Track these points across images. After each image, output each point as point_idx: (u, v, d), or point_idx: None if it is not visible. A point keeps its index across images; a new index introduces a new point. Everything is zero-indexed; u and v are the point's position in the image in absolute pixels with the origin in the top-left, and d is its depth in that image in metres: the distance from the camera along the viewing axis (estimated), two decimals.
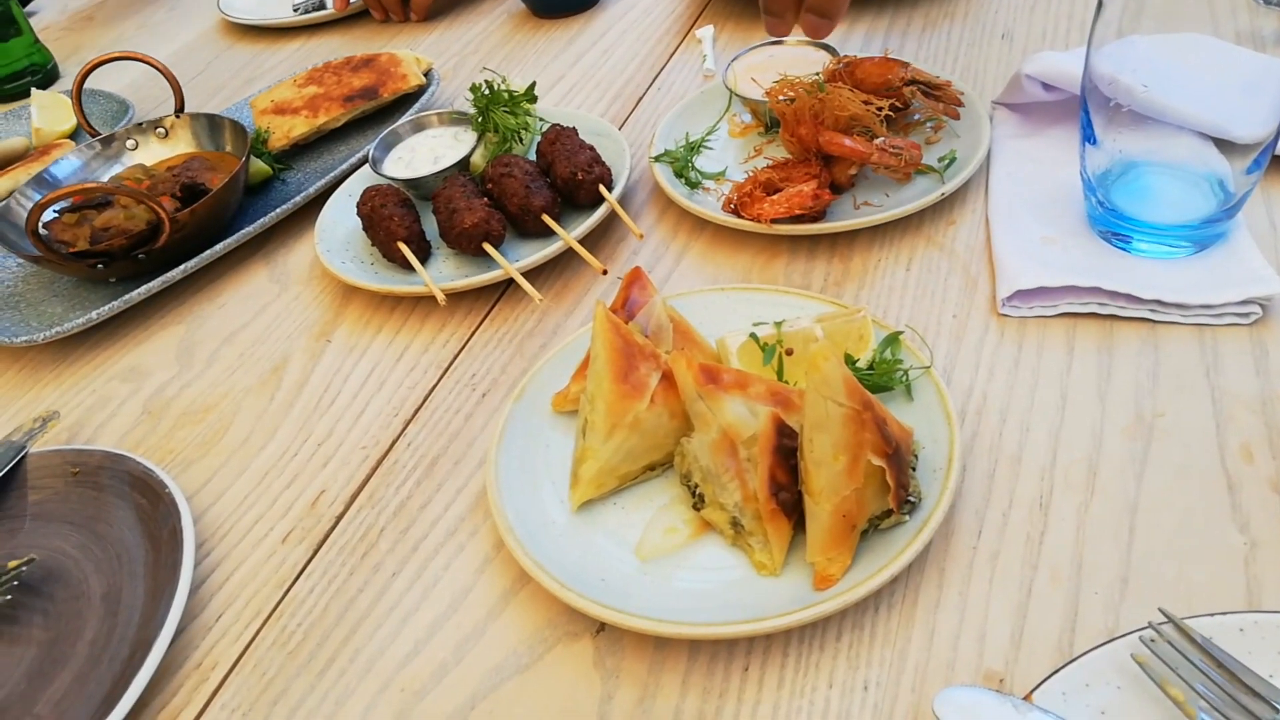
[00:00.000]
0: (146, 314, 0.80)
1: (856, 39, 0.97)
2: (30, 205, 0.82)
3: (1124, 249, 0.66)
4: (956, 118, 0.77)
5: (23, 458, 0.64)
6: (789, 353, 0.57)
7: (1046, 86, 0.76)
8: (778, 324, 0.58)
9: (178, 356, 0.75)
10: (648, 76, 0.98)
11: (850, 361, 0.57)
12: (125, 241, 0.77)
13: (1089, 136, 0.65)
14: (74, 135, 1.05)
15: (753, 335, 0.58)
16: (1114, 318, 0.62)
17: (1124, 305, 0.62)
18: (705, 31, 1.01)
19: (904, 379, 0.56)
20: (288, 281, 0.80)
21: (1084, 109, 0.65)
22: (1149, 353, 0.59)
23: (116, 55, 0.92)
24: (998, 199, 0.72)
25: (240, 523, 0.60)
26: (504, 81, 0.84)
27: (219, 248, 0.80)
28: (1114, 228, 0.66)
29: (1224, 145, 0.62)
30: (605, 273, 0.69)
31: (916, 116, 0.79)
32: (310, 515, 0.60)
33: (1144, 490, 0.52)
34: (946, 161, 0.74)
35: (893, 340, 0.58)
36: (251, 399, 0.69)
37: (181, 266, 0.78)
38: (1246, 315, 0.60)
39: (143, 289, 0.77)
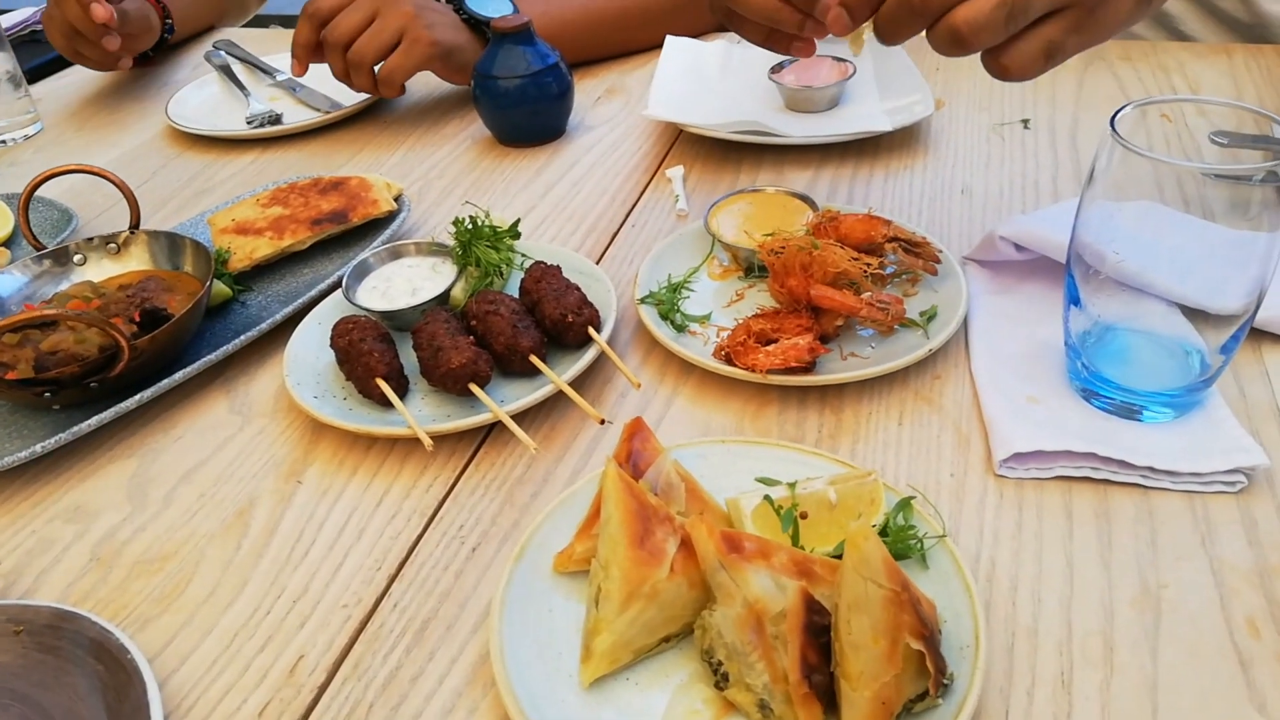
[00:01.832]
0: (93, 445, 0.74)
1: (823, 186, 1.00)
2: None
3: (1106, 411, 0.68)
4: (935, 274, 0.79)
5: None
6: (803, 516, 0.56)
7: (1018, 247, 0.80)
8: (791, 485, 0.58)
9: (129, 495, 0.69)
10: (620, 212, 0.99)
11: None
12: (77, 369, 0.72)
13: (1074, 299, 0.67)
14: (9, 241, 1.00)
15: (767, 498, 0.57)
16: (1107, 482, 0.63)
17: (1116, 470, 0.63)
18: (675, 172, 1.03)
19: (919, 547, 0.55)
20: (250, 414, 0.76)
21: (1069, 274, 0.67)
22: (1145, 520, 0.61)
23: (72, 168, 0.88)
24: (979, 357, 0.74)
25: (209, 692, 0.55)
26: (487, 216, 0.84)
27: (177, 376, 0.75)
28: (1096, 389, 0.68)
29: (1201, 317, 0.65)
30: (604, 422, 0.68)
31: (891, 269, 0.81)
32: (289, 685, 0.55)
33: (1160, 668, 0.52)
34: (928, 316, 0.76)
35: (905, 505, 0.57)
36: (215, 546, 0.64)
37: (136, 396, 0.73)
38: (1233, 484, 0.62)
39: (93, 420, 0.71)
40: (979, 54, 0.64)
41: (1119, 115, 0.62)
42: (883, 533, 0.56)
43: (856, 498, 0.58)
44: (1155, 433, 0.66)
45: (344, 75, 1.14)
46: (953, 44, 0.61)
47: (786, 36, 0.73)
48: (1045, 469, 0.64)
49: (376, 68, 1.12)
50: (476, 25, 1.17)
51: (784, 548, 0.52)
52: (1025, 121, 1.09)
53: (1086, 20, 0.61)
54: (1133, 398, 0.67)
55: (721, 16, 0.74)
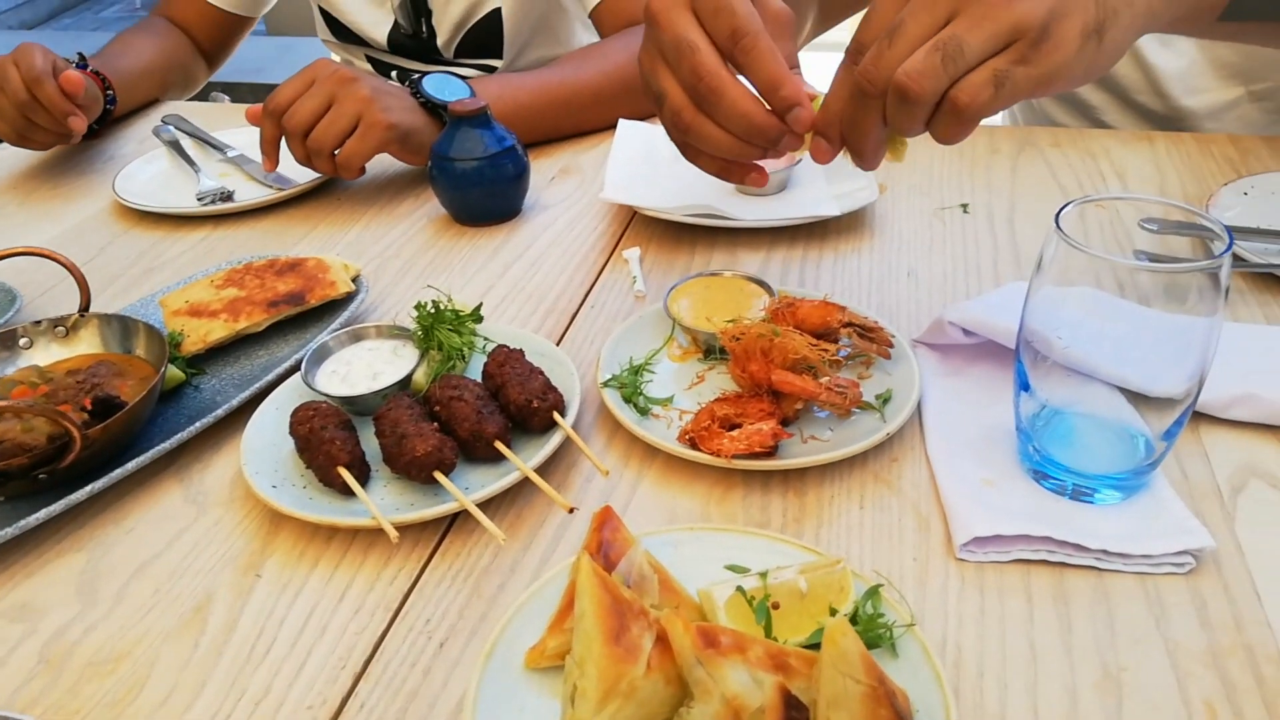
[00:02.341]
0: (40, 538, 0.71)
1: (775, 267, 1.02)
2: None
3: (1057, 494, 0.70)
4: (888, 358, 0.81)
5: None
6: (775, 606, 0.57)
7: (966, 331, 0.83)
8: (763, 575, 0.58)
9: (79, 591, 0.67)
10: (579, 293, 1.00)
11: (834, 616, 0.57)
12: (25, 460, 0.70)
13: (1024, 384, 0.70)
14: None
15: (740, 590, 0.57)
16: (1063, 565, 0.65)
17: (1071, 553, 0.65)
18: (632, 253, 1.05)
19: (889, 636, 0.56)
20: (206, 503, 0.74)
21: (1018, 360, 0.70)
22: (1101, 601, 0.62)
23: (18, 250, 0.86)
24: (934, 440, 0.76)
25: None
26: (449, 300, 0.84)
27: (130, 466, 0.73)
28: (1047, 471, 0.71)
29: (1145, 401, 0.67)
30: (572, 511, 0.68)
31: (844, 354, 0.83)
32: None
33: None
34: (883, 399, 0.78)
35: (873, 594, 0.58)
36: (171, 646, 0.62)
37: (87, 487, 0.71)
38: (1182, 565, 0.64)
39: (41, 514, 0.69)
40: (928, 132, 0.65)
41: (1062, 212, 0.65)
42: (852, 620, 0.57)
43: (826, 586, 0.58)
44: (1106, 515, 0.68)
45: (306, 161, 1.14)
46: (901, 103, 0.61)
47: (741, 167, 0.74)
48: (1004, 552, 0.66)
49: (336, 152, 1.13)
50: (433, 109, 1.18)
51: (759, 641, 0.53)
52: (964, 206, 1.14)
53: (1031, 53, 0.61)
54: (1082, 480, 0.69)
55: (677, 146, 0.74)
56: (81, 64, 1.33)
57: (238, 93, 4.41)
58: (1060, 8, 0.61)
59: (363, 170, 1.15)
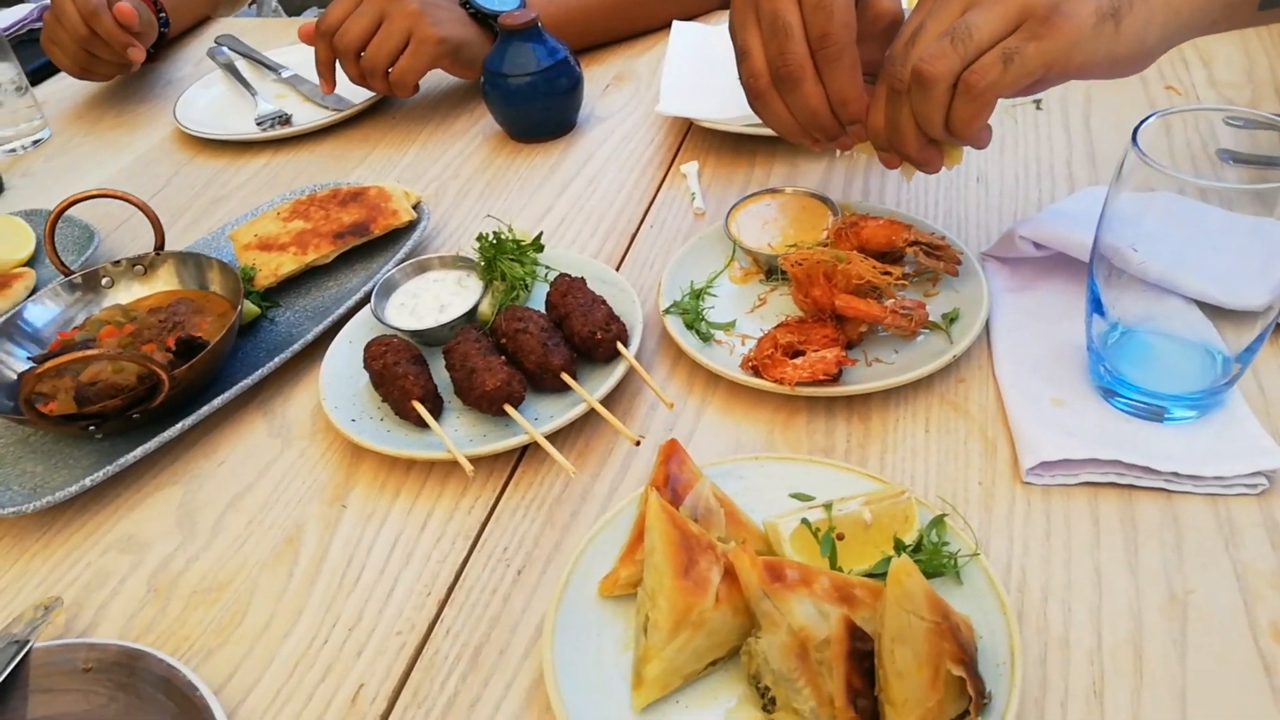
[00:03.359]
0: (138, 473, 0.76)
1: (837, 178, 1.00)
2: (15, 365, 0.78)
3: (1128, 413, 0.69)
4: (955, 275, 0.80)
5: (27, 653, 0.59)
6: (840, 538, 0.58)
7: (1037, 245, 0.81)
8: (827, 507, 0.59)
9: (179, 524, 0.71)
10: (637, 211, 1.00)
11: (900, 545, 0.58)
12: (119, 402, 0.73)
13: (1096, 304, 0.69)
14: (32, 261, 1.01)
15: (805, 522, 0.58)
16: (1132, 487, 0.65)
17: (1141, 476, 0.65)
18: (690, 168, 1.04)
19: (953, 565, 0.57)
20: (290, 437, 0.78)
21: (1091, 278, 0.68)
22: (1170, 525, 0.62)
23: (95, 193, 0.88)
24: (1002, 358, 0.75)
25: None
26: (509, 229, 0.84)
27: (216, 402, 0.77)
28: (1118, 391, 0.70)
29: (1224, 317, 0.66)
30: (638, 443, 0.69)
31: (909, 269, 0.82)
32: (352, 714, 0.57)
33: (1189, 675, 0.54)
34: (950, 319, 0.77)
35: (938, 523, 0.59)
36: (267, 575, 0.66)
37: (178, 425, 0.75)
38: (1255, 486, 0.64)
39: (138, 451, 0.73)
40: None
41: (1140, 128, 0.62)
42: (916, 549, 0.58)
43: (890, 516, 0.59)
44: (1178, 435, 0.67)
45: (360, 80, 1.14)
46: (920, 89, 0.64)
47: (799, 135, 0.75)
48: (1071, 475, 0.66)
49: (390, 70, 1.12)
50: (483, 19, 1.16)
51: (825, 572, 0.54)
52: (1038, 102, 1.09)
53: (1041, 28, 0.61)
54: (1155, 400, 0.68)
55: (747, 98, 0.75)
56: None
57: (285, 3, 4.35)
58: None
59: (417, 88, 1.14)
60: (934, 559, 0.57)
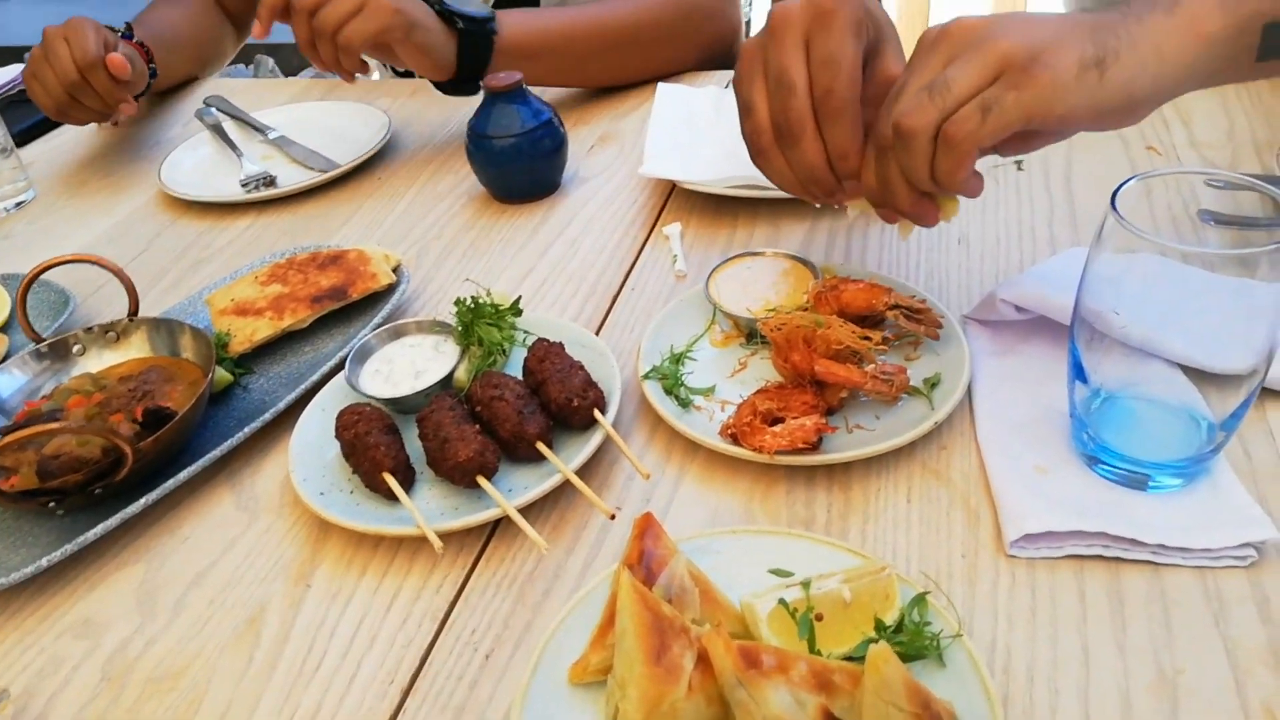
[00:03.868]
0: (100, 551, 0.74)
1: (819, 239, 1.00)
2: None
3: (1112, 481, 0.68)
4: (937, 339, 0.79)
5: None
6: (819, 618, 0.56)
7: (1018, 308, 0.80)
8: (805, 585, 0.57)
9: (139, 604, 0.69)
10: (619, 273, 0.99)
11: (880, 626, 0.56)
12: (80, 477, 0.72)
13: (1078, 368, 0.67)
14: (6, 326, 0.99)
15: (782, 602, 0.57)
16: (1118, 559, 0.63)
17: (1127, 548, 0.63)
18: (673, 229, 1.03)
19: (935, 646, 0.55)
20: (257, 510, 0.76)
21: (1072, 343, 0.67)
22: (1157, 599, 0.60)
23: (70, 258, 0.88)
24: (985, 424, 0.74)
25: None
26: (488, 294, 0.83)
27: (182, 475, 0.75)
28: (1101, 458, 0.68)
29: (1208, 381, 0.64)
30: (613, 517, 0.67)
31: (890, 333, 0.81)
32: None
33: None
34: (931, 384, 0.76)
35: (919, 601, 0.57)
36: (227, 660, 0.64)
37: (141, 500, 0.73)
38: (1244, 558, 0.62)
39: (99, 529, 0.71)
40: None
41: (1119, 191, 0.62)
42: (898, 630, 0.56)
43: (871, 594, 0.57)
44: (1163, 504, 0.66)
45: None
46: (901, 145, 0.64)
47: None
48: (1057, 548, 0.64)
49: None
50: (448, 17, 1.16)
51: (802, 657, 0.52)
52: (1019, 163, 1.09)
53: (1021, 78, 0.60)
54: (1139, 467, 0.67)
55: (749, 153, 0.75)
56: (128, 34, 1.33)
57: (281, 54, 4.42)
58: (1052, 40, 0.61)
59: (363, 66, 1.13)
60: (916, 641, 0.55)
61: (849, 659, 0.55)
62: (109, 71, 1.19)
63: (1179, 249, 0.57)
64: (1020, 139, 0.65)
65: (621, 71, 1.34)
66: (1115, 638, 0.59)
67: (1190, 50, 0.63)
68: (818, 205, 0.76)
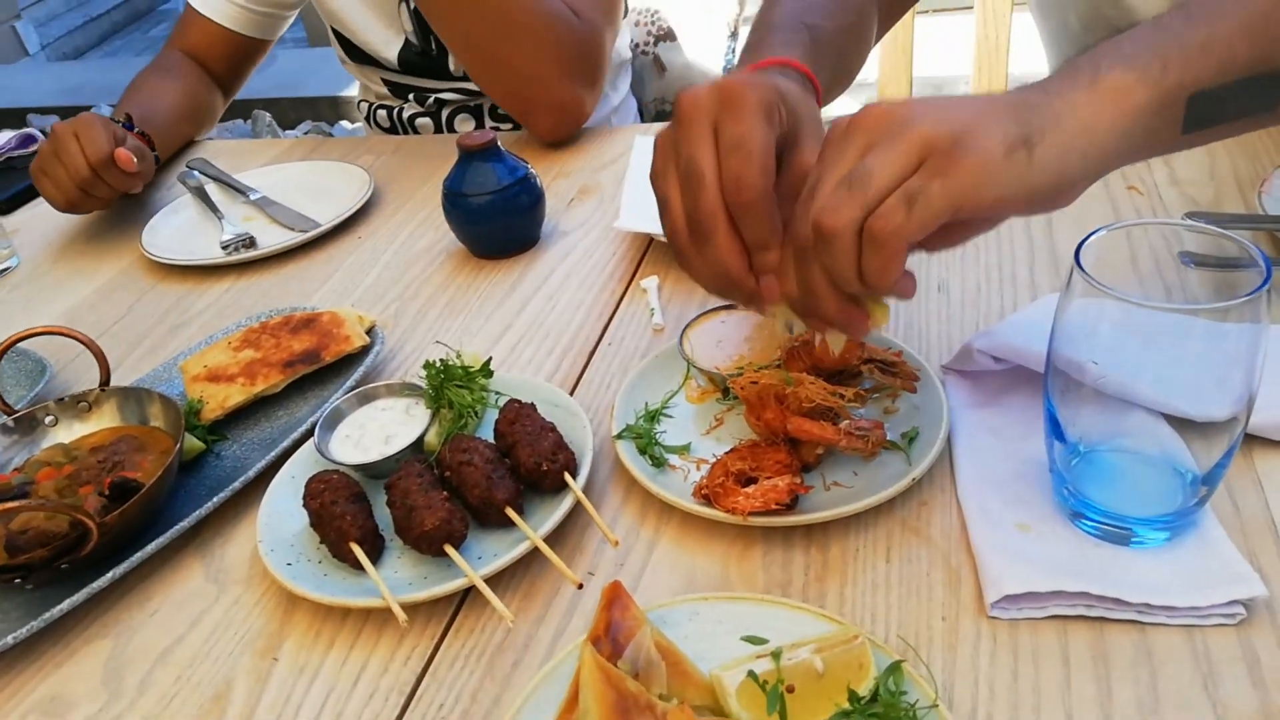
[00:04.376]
0: (67, 626, 0.72)
1: None
2: None
3: (1096, 536, 0.66)
4: (914, 391, 0.78)
5: None
6: (790, 690, 0.55)
7: (996, 359, 0.79)
8: (775, 656, 0.56)
9: (104, 681, 0.68)
10: (596, 328, 0.98)
11: (854, 697, 0.54)
12: (47, 553, 0.70)
13: (1054, 424, 0.66)
14: None
15: (751, 674, 0.55)
16: (1103, 619, 0.61)
17: (1111, 607, 0.61)
18: (650, 283, 1.03)
19: (912, 717, 0.53)
20: (226, 581, 0.74)
21: (1047, 398, 0.66)
22: (1144, 661, 0.59)
23: (40, 330, 0.87)
24: (965, 480, 0.72)
25: None
26: (458, 356, 0.83)
27: (150, 548, 0.74)
28: (1085, 513, 0.67)
29: (1191, 430, 0.63)
30: (581, 586, 0.66)
31: (869, 384, 0.80)
32: None
33: None
34: (909, 438, 0.75)
35: (895, 670, 0.56)
36: None
37: (109, 574, 0.71)
38: (1233, 616, 0.60)
39: (65, 604, 0.69)
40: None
41: (1084, 245, 0.61)
42: (872, 699, 0.55)
43: (844, 664, 0.56)
44: (1148, 561, 0.64)
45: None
46: (822, 245, 0.59)
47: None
48: (1039, 608, 0.62)
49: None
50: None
51: None
52: None
53: (944, 163, 0.56)
54: (1121, 522, 0.65)
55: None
56: (129, 124, 1.34)
57: (279, 108, 4.48)
58: (973, 122, 0.57)
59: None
60: (891, 712, 0.53)
61: None
62: (118, 167, 1.21)
63: (1144, 305, 0.57)
64: (946, 231, 0.59)
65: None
66: (1100, 704, 0.57)
67: (1117, 125, 0.60)
68: (746, 311, 0.70)
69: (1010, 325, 0.80)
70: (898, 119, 0.58)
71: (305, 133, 4.10)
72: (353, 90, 4.67)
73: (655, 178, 0.70)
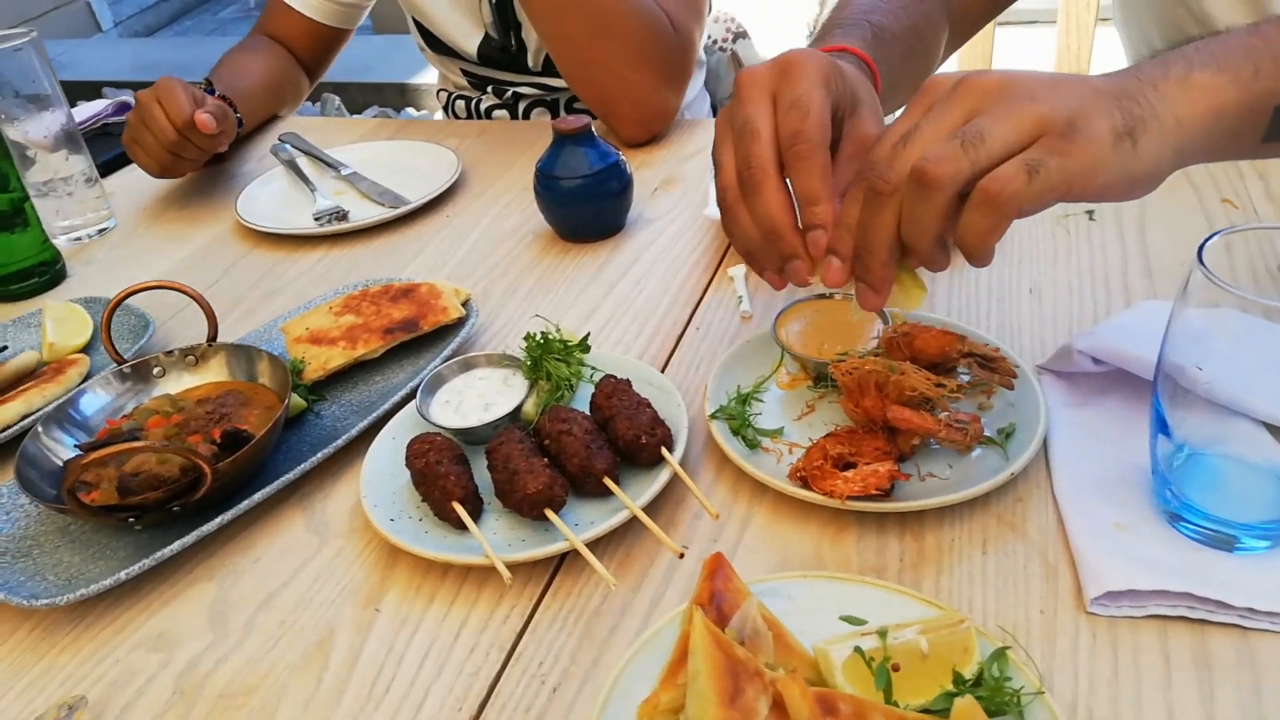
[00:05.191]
0: (173, 568, 0.75)
1: None
2: (61, 453, 0.79)
3: (1197, 541, 0.66)
4: (1011, 388, 0.78)
5: None
6: (895, 668, 0.55)
7: (1095, 360, 0.78)
8: (882, 634, 0.56)
9: (211, 622, 0.70)
10: (684, 313, 1.00)
11: (959, 680, 0.55)
12: (161, 495, 0.73)
13: (1162, 425, 0.66)
14: (87, 348, 1.02)
15: (858, 650, 0.56)
16: (1204, 622, 0.61)
17: (1213, 610, 0.61)
18: (737, 271, 1.04)
19: (1016, 704, 0.54)
20: (328, 534, 0.77)
21: (1155, 399, 0.66)
22: (1246, 665, 0.58)
23: (154, 284, 0.90)
24: (1062, 478, 0.72)
25: None
26: (557, 330, 0.84)
27: (257, 497, 0.76)
28: (1185, 517, 0.66)
29: None
30: (682, 555, 0.67)
31: (965, 378, 0.80)
32: None
33: None
34: (1006, 434, 0.75)
35: (1000, 656, 0.56)
36: (297, 680, 0.64)
37: (217, 519, 0.74)
38: None
39: (175, 545, 0.72)
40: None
41: (1206, 245, 0.61)
42: (976, 684, 0.55)
43: (949, 647, 0.56)
44: (1251, 567, 0.64)
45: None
46: (919, 192, 0.59)
47: (759, 264, 0.71)
48: (1139, 607, 0.62)
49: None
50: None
51: (880, 708, 0.51)
52: (1090, 213, 1.08)
53: (1062, 144, 0.57)
54: (1224, 528, 0.65)
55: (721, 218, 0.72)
56: (209, 89, 1.38)
57: (347, 93, 4.55)
58: (1084, 108, 0.59)
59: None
60: (996, 696, 0.54)
61: (926, 712, 0.54)
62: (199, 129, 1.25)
63: (1263, 303, 0.56)
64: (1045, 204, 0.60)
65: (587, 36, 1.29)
66: (1202, 703, 0.57)
67: (1204, 122, 0.62)
68: (779, 288, 0.71)
69: (1111, 328, 0.80)
70: (1012, 91, 0.59)
71: (373, 117, 4.17)
72: (419, 78, 4.74)
73: (716, 142, 0.71)
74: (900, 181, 0.60)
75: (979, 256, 0.62)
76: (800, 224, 0.67)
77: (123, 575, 0.70)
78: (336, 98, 4.25)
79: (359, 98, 4.58)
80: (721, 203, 0.70)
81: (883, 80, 0.84)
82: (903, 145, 0.61)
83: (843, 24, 0.90)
